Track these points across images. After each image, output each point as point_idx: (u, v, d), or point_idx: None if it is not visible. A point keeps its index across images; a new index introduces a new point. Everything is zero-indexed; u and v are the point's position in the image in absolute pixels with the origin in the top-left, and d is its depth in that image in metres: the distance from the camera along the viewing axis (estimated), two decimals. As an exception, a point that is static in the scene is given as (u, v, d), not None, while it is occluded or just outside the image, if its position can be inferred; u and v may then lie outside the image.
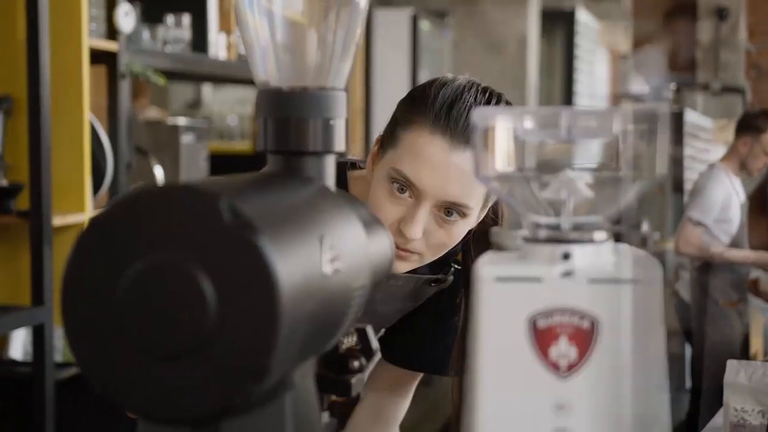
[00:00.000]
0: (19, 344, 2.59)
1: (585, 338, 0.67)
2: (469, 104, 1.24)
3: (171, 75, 3.30)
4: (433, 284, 1.41)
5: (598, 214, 0.71)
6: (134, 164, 2.85)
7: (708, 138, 7.49)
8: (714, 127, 7.69)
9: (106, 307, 0.62)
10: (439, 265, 1.40)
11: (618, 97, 8.56)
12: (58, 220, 2.42)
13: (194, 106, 5.82)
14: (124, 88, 2.70)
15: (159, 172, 2.95)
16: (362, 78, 4.75)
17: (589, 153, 0.73)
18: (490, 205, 1.32)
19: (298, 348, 0.65)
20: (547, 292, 0.67)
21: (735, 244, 4.33)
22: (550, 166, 0.72)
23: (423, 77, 6.27)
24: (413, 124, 1.24)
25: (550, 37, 7.12)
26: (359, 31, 0.81)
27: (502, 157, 0.70)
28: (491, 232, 0.80)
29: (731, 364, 2.00)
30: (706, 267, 4.30)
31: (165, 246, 0.61)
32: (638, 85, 5.43)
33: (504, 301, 0.68)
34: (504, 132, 0.70)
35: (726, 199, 4.24)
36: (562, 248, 0.68)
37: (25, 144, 2.38)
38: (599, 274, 0.67)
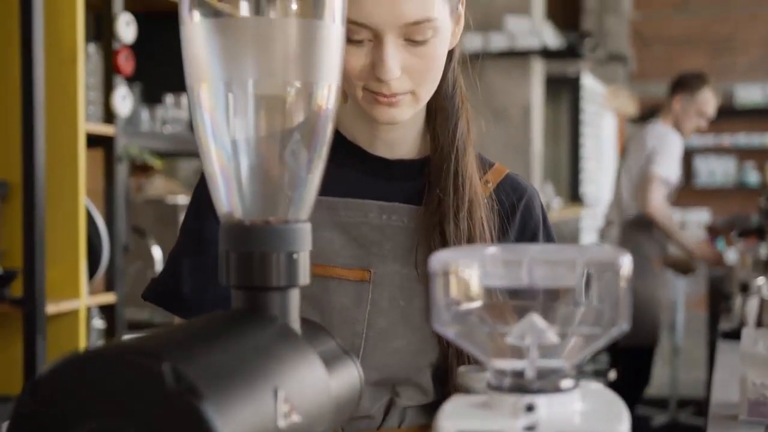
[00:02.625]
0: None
1: (549, 497, 0.64)
2: None
3: (171, 153, 3.31)
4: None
5: (563, 359, 0.69)
6: (132, 245, 2.84)
7: (601, 103, 7.56)
8: (606, 92, 7.75)
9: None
10: None
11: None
12: (52, 308, 2.40)
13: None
14: (121, 171, 2.70)
15: (157, 253, 2.94)
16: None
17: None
18: (461, 12, 1.21)
19: (250, 508, 0.62)
20: (509, 447, 0.64)
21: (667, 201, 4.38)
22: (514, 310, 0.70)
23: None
24: None
25: (555, 103, 7.14)
26: (323, 157, 0.79)
27: (462, 302, 0.68)
28: (458, 373, 0.78)
29: (747, 332, 1.85)
30: (638, 222, 4.29)
31: (105, 412, 0.58)
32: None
33: (465, 455, 0.65)
34: (464, 277, 0.68)
35: (679, 157, 4.30)
36: (526, 399, 0.66)
37: (20, 229, 2.37)
38: (565, 427, 0.64)
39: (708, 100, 4.36)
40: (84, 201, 2.50)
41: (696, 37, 10.04)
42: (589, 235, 6.99)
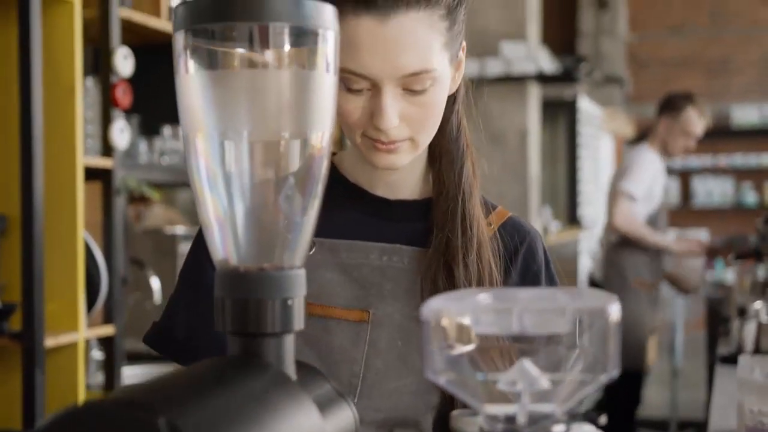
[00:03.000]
0: (11, 468, 2.56)
1: None
2: None
3: (170, 184, 3.33)
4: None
5: (554, 404, 0.70)
6: (131, 277, 2.85)
7: (598, 125, 7.58)
8: (603, 114, 7.77)
9: None
10: None
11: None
12: (51, 341, 2.40)
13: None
14: (119, 203, 2.71)
15: (156, 284, 2.94)
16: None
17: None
18: (461, 58, 1.21)
19: None
20: (502, 494, 0.65)
21: (651, 222, 4.33)
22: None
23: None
24: (340, 16, 1.12)
25: (552, 126, 7.18)
26: (318, 203, 0.80)
27: (454, 350, 0.69)
28: (451, 417, 0.79)
29: (744, 360, 1.86)
30: (621, 244, 4.27)
31: (102, 466, 0.59)
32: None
33: (459, 501, 0.66)
34: (456, 325, 0.69)
35: (654, 177, 4.25)
36: (518, 446, 0.67)
37: (19, 263, 2.38)
38: (556, 473, 0.65)
39: (692, 120, 4.32)
40: (82, 234, 2.52)
41: (691, 58, 10.09)
42: (587, 258, 7.01)
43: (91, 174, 2.65)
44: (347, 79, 1.12)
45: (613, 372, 0.68)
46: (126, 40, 2.80)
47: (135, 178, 2.78)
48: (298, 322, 0.78)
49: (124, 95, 2.70)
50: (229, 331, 0.77)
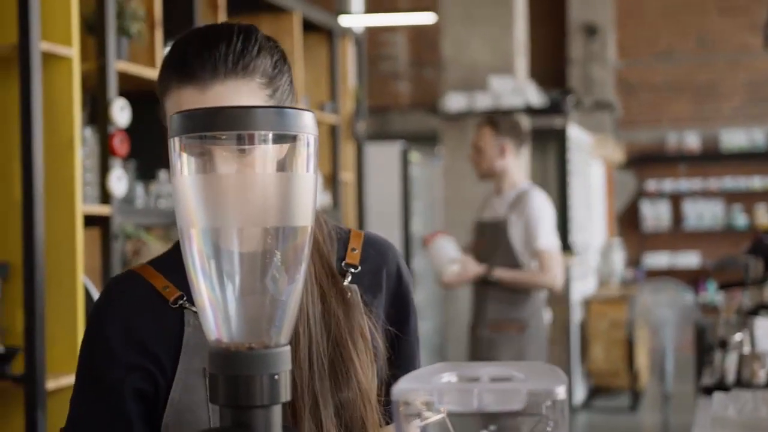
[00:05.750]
0: None
1: None
2: (202, 36, 1.19)
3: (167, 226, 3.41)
4: None
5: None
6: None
7: (588, 151, 7.66)
8: (593, 141, 7.86)
9: None
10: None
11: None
12: (52, 383, 2.48)
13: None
14: (117, 248, 2.80)
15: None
16: (355, 212, 4.87)
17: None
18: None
19: None
20: None
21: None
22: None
23: (415, 206, 6.48)
24: (166, 88, 1.20)
25: (542, 155, 7.26)
26: (300, 287, 0.89)
27: (421, 425, 0.78)
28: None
29: (718, 397, 1.93)
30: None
31: None
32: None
33: None
34: (423, 403, 0.78)
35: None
36: None
37: (21, 308, 2.46)
38: None
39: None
40: (82, 279, 2.60)
41: (680, 83, 10.22)
42: (579, 284, 7.08)
43: (90, 221, 2.74)
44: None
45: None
46: (122, 88, 2.89)
47: (132, 224, 2.86)
48: (285, 394, 0.86)
49: (121, 144, 2.79)
50: (221, 404, 0.86)
